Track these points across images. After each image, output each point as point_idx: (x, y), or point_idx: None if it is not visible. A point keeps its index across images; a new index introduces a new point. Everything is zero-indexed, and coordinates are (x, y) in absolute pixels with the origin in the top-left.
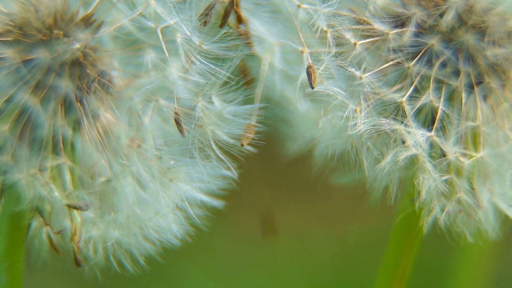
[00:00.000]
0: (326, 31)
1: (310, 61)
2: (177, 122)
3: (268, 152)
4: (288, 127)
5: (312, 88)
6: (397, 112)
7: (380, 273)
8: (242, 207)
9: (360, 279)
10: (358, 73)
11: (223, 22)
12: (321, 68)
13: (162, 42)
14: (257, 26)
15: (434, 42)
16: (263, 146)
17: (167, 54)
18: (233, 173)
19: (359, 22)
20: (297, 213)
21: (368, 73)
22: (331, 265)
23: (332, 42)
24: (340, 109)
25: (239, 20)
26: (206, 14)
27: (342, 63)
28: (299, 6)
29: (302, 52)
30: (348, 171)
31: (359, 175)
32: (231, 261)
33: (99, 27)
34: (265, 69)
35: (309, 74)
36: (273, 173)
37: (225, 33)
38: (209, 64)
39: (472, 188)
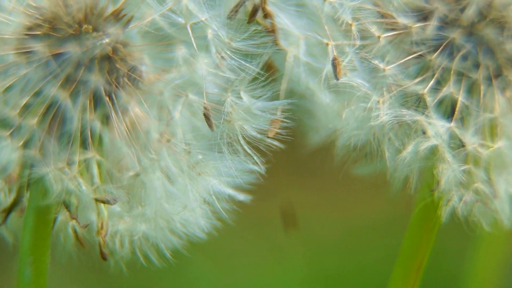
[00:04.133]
0: (351, 24)
1: (335, 53)
2: (207, 117)
3: (290, 143)
4: (311, 118)
5: (337, 79)
6: (419, 103)
7: (398, 262)
8: (264, 199)
9: (367, 266)
10: (381, 66)
11: (251, 19)
12: (346, 60)
13: (192, 38)
14: (283, 19)
15: (455, 35)
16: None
17: (196, 49)
18: (260, 168)
19: (383, 15)
20: (306, 201)
21: (391, 66)
22: (338, 253)
23: (357, 35)
24: (363, 100)
25: (265, 14)
26: (235, 11)
27: (366, 56)
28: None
29: (327, 44)
30: (370, 162)
31: (380, 166)
32: (237, 250)
33: (128, 22)
34: (291, 61)
35: (334, 66)
36: (295, 164)
37: (254, 30)
38: (239, 60)
39: (489, 178)
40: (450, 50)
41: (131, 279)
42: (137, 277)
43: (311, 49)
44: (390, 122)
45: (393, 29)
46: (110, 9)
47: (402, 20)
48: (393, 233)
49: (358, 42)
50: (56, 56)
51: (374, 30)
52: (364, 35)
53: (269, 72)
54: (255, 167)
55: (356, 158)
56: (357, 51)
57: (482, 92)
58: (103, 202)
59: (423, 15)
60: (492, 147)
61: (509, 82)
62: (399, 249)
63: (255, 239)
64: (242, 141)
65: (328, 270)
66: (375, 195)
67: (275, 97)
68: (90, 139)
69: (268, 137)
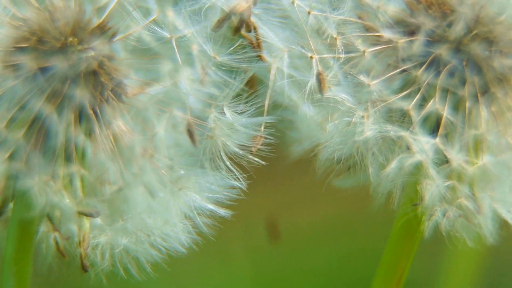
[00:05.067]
0: (335, 38)
1: (320, 67)
2: (190, 133)
3: (272, 155)
4: (294, 130)
5: (322, 94)
6: (403, 119)
7: (378, 275)
8: (245, 211)
9: (310, 268)
10: (366, 80)
11: (236, 33)
12: (330, 74)
13: (177, 53)
14: (266, 31)
15: (442, 51)
16: (267, 149)
17: (181, 64)
18: (241, 184)
19: (368, 30)
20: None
21: (376, 80)
22: (282, 257)
23: (341, 49)
24: (347, 115)
25: (248, 27)
26: (220, 25)
27: (350, 70)
28: (309, 12)
29: (311, 58)
30: (353, 175)
31: (362, 179)
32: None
33: (114, 35)
34: (274, 74)
35: (319, 81)
36: (276, 177)
37: (239, 45)
38: (223, 76)
39: (473, 194)
40: (437, 65)
41: None
42: None
43: (294, 62)
44: (374, 137)
45: (378, 44)
46: (96, 22)
47: (388, 35)
48: (339, 238)
49: (342, 56)
50: (43, 69)
51: (359, 44)
52: (349, 49)
53: (252, 88)
54: (237, 183)
55: (339, 171)
56: (341, 65)
57: (467, 109)
58: (86, 215)
59: (410, 30)
60: (477, 163)
61: (495, 98)
62: (344, 253)
63: (204, 245)
64: (224, 157)
65: (273, 273)
66: (322, 199)
67: (258, 113)
68: (74, 153)
69: (251, 152)
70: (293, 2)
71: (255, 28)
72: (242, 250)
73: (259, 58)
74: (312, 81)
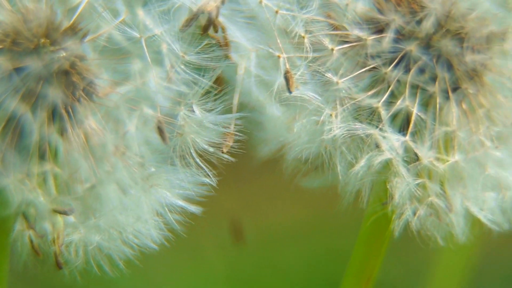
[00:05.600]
0: (303, 37)
1: (287, 66)
2: (160, 131)
3: (242, 151)
4: (261, 131)
5: (290, 92)
6: (373, 116)
7: (347, 275)
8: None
9: (283, 269)
10: (334, 79)
11: (205, 32)
12: (298, 73)
13: (146, 52)
14: (234, 32)
15: (412, 48)
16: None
17: (150, 63)
18: (211, 180)
19: (336, 28)
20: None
21: (345, 78)
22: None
23: (309, 48)
24: (315, 113)
25: (216, 27)
26: (188, 24)
27: (319, 69)
28: (277, 12)
29: (278, 57)
30: (320, 175)
31: (330, 179)
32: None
33: (85, 35)
34: (241, 74)
35: (287, 79)
36: (246, 174)
37: (207, 43)
38: (192, 74)
39: (445, 192)
40: (407, 62)
41: None
42: (91, 286)
43: (262, 62)
44: (342, 135)
45: (347, 42)
46: (67, 23)
47: (356, 33)
48: (309, 238)
49: (311, 55)
50: (18, 70)
51: (327, 42)
52: (318, 47)
53: (219, 86)
54: (207, 180)
55: (306, 171)
56: (309, 64)
57: (438, 105)
58: (60, 212)
59: (379, 28)
60: (449, 161)
61: (466, 94)
62: (313, 252)
63: (175, 242)
64: (194, 154)
65: (244, 269)
66: (292, 197)
67: (227, 111)
68: (48, 152)
69: (222, 152)
70: (260, 2)
71: (223, 29)
72: (213, 246)
73: (228, 58)
74: (280, 80)
